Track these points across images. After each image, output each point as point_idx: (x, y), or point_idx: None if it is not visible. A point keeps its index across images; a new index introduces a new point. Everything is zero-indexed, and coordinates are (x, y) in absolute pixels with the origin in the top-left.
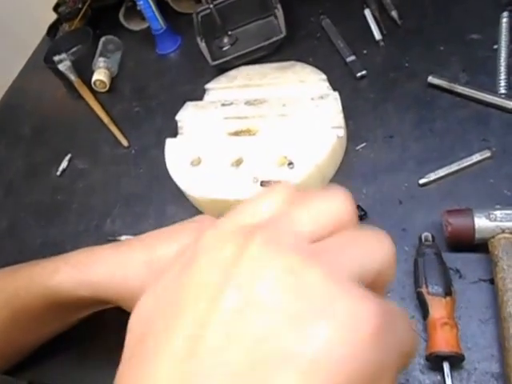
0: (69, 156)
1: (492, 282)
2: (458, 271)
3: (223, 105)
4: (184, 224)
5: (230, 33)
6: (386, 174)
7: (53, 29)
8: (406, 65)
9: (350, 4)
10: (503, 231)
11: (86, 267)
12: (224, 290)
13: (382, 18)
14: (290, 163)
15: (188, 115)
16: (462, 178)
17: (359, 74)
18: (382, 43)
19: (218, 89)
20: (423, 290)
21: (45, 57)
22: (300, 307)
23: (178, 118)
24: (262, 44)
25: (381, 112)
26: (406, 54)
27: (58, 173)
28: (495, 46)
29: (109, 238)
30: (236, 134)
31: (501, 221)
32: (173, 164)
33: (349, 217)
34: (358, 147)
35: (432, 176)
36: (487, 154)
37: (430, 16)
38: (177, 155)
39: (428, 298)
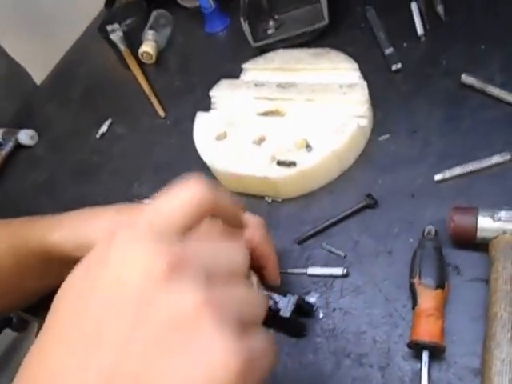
0: (109, 121)
1: (486, 283)
2: (456, 268)
3: (256, 85)
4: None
5: (276, 17)
6: (404, 167)
7: (110, 1)
8: (444, 62)
9: None
10: (505, 232)
11: (79, 229)
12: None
13: (428, 13)
14: (308, 146)
15: (221, 92)
16: (478, 178)
17: (394, 67)
18: (423, 38)
19: (254, 69)
20: (415, 280)
21: (99, 26)
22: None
23: (211, 93)
24: (305, 30)
25: (410, 106)
26: (445, 51)
27: (98, 136)
28: None
29: (135, 200)
30: (264, 114)
31: (505, 221)
32: (200, 136)
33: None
34: (380, 138)
35: (448, 173)
36: (508, 156)
37: (476, 14)
38: (205, 128)
39: (418, 289)
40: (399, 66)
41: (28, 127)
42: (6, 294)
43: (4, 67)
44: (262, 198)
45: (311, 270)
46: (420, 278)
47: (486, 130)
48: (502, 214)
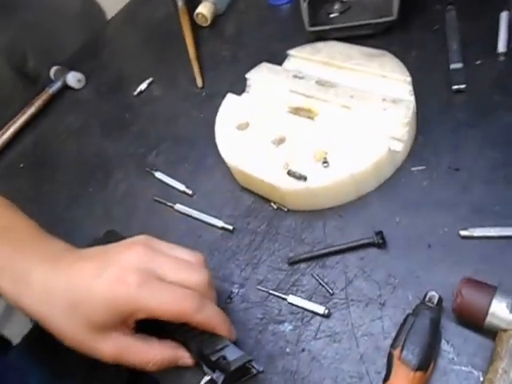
0: (150, 80)
1: (484, 374)
2: (452, 347)
3: (295, 76)
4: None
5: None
6: (430, 210)
7: None
8: None
9: (489, 0)
10: None
11: (21, 287)
12: None
13: None
14: (325, 162)
15: (259, 76)
16: (511, 249)
17: (456, 87)
18: (502, 57)
19: (299, 58)
20: (395, 352)
21: None
22: None
23: (248, 75)
24: (368, 22)
25: (461, 137)
26: None
27: (136, 93)
28: None
29: (147, 169)
30: (296, 110)
31: None
32: (222, 120)
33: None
34: (414, 168)
35: (478, 231)
36: None
37: None
38: (229, 113)
39: (396, 363)
40: (462, 86)
41: (80, 70)
42: None
43: (78, 4)
44: (268, 201)
45: (292, 299)
46: (402, 351)
47: None
48: None
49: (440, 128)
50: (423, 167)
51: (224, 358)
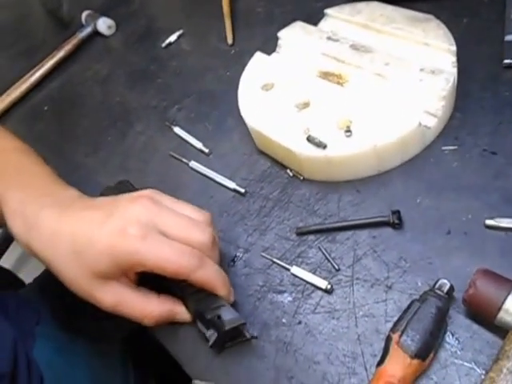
0: (179, 32)
1: (486, 373)
2: (457, 341)
3: (329, 38)
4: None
5: None
6: (456, 194)
7: None
8: None
9: None
10: None
11: (29, 229)
12: None
13: None
14: (348, 131)
15: (291, 35)
16: None
17: (508, 61)
18: None
19: (336, 18)
20: (394, 336)
21: None
22: None
23: (280, 34)
24: None
25: (504, 119)
26: None
27: (164, 44)
28: None
29: (166, 123)
30: (325, 75)
31: None
32: (247, 79)
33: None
34: (445, 147)
35: (505, 222)
36: None
37: None
38: (256, 72)
39: (393, 348)
40: None
41: (112, 16)
42: None
43: None
44: (285, 168)
45: (295, 270)
46: (401, 335)
47: None
48: None
49: (481, 105)
50: (455, 147)
51: (219, 317)
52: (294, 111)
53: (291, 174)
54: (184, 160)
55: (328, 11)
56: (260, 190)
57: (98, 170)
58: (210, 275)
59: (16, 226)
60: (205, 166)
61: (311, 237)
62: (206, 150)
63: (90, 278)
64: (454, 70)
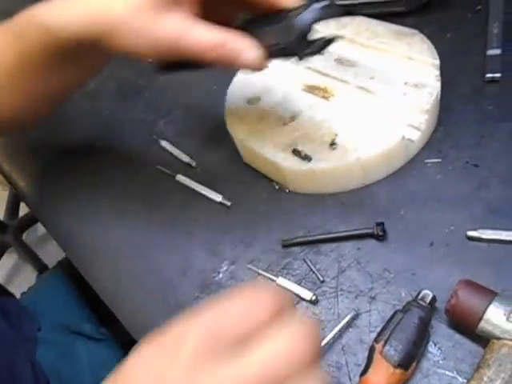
0: None
1: (467, 381)
2: (439, 350)
3: None
4: None
5: None
6: (439, 206)
7: None
8: None
9: None
10: None
11: (70, 3)
12: None
13: None
14: (333, 144)
15: None
16: None
17: (490, 76)
18: None
19: (322, 33)
20: (378, 346)
21: None
22: None
23: None
24: None
25: (486, 132)
26: None
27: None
28: None
29: (154, 136)
30: (311, 88)
31: None
32: (234, 92)
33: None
34: (428, 160)
35: (487, 234)
36: None
37: None
38: (242, 85)
39: (376, 357)
40: (497, 75)
41: None
42: (6, 95)
43: None
44: (271, 181)
45: (281, 281)
46: (384, 345)
47: None
48: None
49: (464, 119)
50: (439, 160)
51: (297, 15)
52: (279, 125)
53: (277, 187)
54: (171, 173)
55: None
56: (246, 203)
57: (85, 183)
58: None
59: (56, 8)
60: (192, 179)
61: (296, 249)
62: (193, 164)
63: (151, 10)
64: (438, 84)
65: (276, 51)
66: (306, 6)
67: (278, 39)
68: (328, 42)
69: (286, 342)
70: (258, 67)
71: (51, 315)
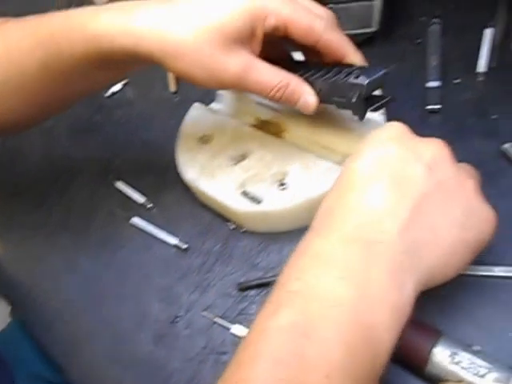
0: (124, 81)
1: None
2: None
3: None
4: None
5: (330, 6)
6: None
7: None
8: (494, 116)
9: (476, 14)
10: (460, 382)
11: (129, 13)
12: None
13: (502, 47)
14: (283, 184)
15: None
16: (472, 288)
17: (430, 107)
18: (481, 78)
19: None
20: None
21: None
22: None
23: None
24: (347, 32)
25: None
26: (502, 103)
27: (108, 94)
28: None
29: (110, 176)
30: (262, 124)
31: (463, 368)
32: (186, 131)
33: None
34: None
35: None
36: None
37: None
38: (194, 123)
39: None
40: (437, 107)
41: None
42: (27, 102)
43: None
44: (226, 220)
45: (236, 329)
46: None
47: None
48: (466, 357)
49: None
50: None
51: (357, 76)
52: (230, 164)
53: (232, 227)
54: (126, 216)
55: None
56: (202, 245)
57: (34, 229)
58: (339, 38)
59: (104, 18)
60: (147, 220)
61: (253, 292)
62: (149, 205)
63: (220, 44)
64: (382, 118)
65: (332, 102)
66: (367, 70)
67: (340, 95)
68: (388, 102)
69: None
70: (310, 112)
71: (27, 365)
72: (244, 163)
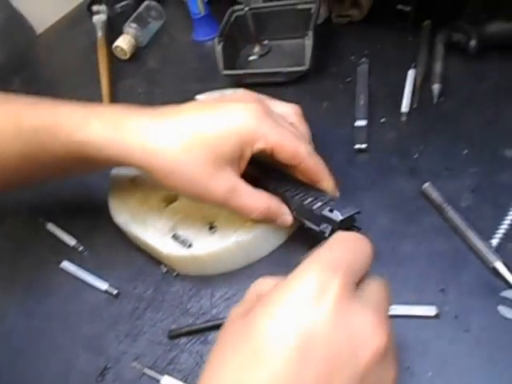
0: None
1: None
2: None
3: None
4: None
5: (265, 42)
6: None
7: None
8: (415, 156)
9: (401, 55)
10: None
11: (118, 126)
12: None
13: (423, 88)
14: (213, 227)
15: None
16: None
17: (357, 146)
18: (404, 118)
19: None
20: None
21: (88, 4)
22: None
23: None
24: (278, 70)
25: (357, 203)
26: (422, 143)
27: None
28: None
29: (40, 219)
30: None
31: None
32: (117, 172)
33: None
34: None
35: None
36: (433, 311)
37: (475, 108)
38: None
39: None
40: (363, 146)
41: None
42: (7, 181)
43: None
44: (159, 263)
45: (166, 381)
46: None
47: (423, 265)
48: None
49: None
50: (318, 229)
51: (331, 210)
52: (161, 207)
53: (164, 271)
54: (56, 260)
55: (198, 97)
56: (133, 290)
57: None
58: (319, 164)
59: (93, 129)
60: (78, 264)
61: (183, 339)
62: (80, 248)
63: (209, 163)
64: None
65: (303, 222)
66: (340, 204)
67: (313, 222)
68: (354, 215)
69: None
70: (287, 227)
71: None
72: (175, 205)
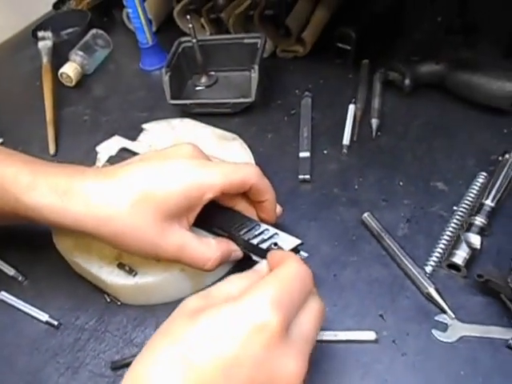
0: (0, 140)
1: None
2: None
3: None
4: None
5: (211, 73)
6: None
7: (60, 3)
8: (356, 187)
9: (343, 91)
10: None
11: (64, 195)
12: None
13: (362, 122)
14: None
15: (108, 150)
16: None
17: (301, 177)
18: (344, 150)
19: (154, 132)
20: None
21: (33, 30)
22: None
23: (98, 149)
24: (225, 101)
25: (301, 231)
26: (362, 175)
27: None
28: (454, 207)
29: None
30: None
31: None
32: None
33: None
34: (256, 258)
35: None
36: (373, 336)
37: (409, 142)
38: None
39: None
40: (307, 177)
41: None
42: None
43: None
44: (103, 292)
45: None
46: None
47: (363, 292)
48: None
49: (282, 219)
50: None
51: (275, 244)
52: None
53: (108, 300)
54: None
55: (145, 126)
56: (76, 320)
57: None
58: (267, 184)
59: (38, 195)
60: (17, 295)
61: (127, 371)
62: (20, 277)
63: (158, 223)
64: None
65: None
66: (284, 237)
67: (260, 255)
68: (298, 246)
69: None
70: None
71: None
72: None
